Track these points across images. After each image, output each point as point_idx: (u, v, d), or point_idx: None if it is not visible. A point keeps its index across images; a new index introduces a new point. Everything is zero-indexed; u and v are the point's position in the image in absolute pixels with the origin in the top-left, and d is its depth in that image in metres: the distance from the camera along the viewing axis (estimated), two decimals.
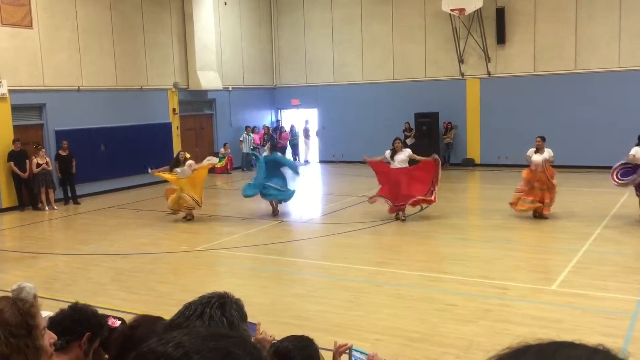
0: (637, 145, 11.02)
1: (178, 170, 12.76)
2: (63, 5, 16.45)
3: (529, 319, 6.74)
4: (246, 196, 12.88)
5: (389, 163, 11.92)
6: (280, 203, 13.20)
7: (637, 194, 11.16)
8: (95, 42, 17.30)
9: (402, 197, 11.55)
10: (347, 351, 2.77)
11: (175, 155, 13.73)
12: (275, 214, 13.06)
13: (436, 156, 11.99)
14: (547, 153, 11.46)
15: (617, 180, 11.19)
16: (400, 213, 11.84)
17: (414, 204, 11.81)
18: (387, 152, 11.87)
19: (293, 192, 13.01)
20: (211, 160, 13.52)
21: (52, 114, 16.32)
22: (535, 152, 11.53)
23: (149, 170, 13.46)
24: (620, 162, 11.32)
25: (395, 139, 12.01)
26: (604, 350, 0.72)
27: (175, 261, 10.08)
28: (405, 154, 11.71)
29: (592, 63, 18.57)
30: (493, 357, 0.75)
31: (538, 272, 8.76)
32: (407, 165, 11.71)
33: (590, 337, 0.76)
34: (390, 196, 11.65)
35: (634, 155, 10.90)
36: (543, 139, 11.62)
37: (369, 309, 7.28)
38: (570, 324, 6.55)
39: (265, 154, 13.20)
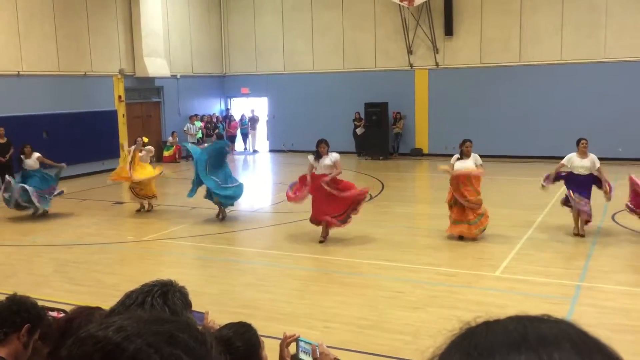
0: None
1: (141, 154, 12.98)
2: None
3: (474, 305, 6.90)
4: (190, 197, 12.05)
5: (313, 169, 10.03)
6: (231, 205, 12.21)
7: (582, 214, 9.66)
8: (36, 25, 16.64)
9: (319, 213, 9.94)
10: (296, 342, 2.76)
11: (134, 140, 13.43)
12: (220, 217, 11.94)
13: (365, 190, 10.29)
14: (474, 159, 9.74)
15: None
16: (323, 232, 10.06)
17: (322, 222, 10.03)
18: (310, 157, 10.07)
19: (241, 188, 11.97)
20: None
21: None
22: (459, 158, 9.76)
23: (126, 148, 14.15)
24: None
25: (321, 141, 9.97)
26: (550, 319, 0.73)
27: (122, 251, 9.87)
28: (331, 158, 9.83)
29: (535, 55, 19.06)
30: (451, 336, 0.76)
31: (483, 259, 8.99)
32: (330, 171, 9.83)
33: None
34: (313, 210, 9.97)
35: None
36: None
37: (318, 297, 7.32)
38: (513, 309, 6.68)
39: (206, 145, 12.35)
